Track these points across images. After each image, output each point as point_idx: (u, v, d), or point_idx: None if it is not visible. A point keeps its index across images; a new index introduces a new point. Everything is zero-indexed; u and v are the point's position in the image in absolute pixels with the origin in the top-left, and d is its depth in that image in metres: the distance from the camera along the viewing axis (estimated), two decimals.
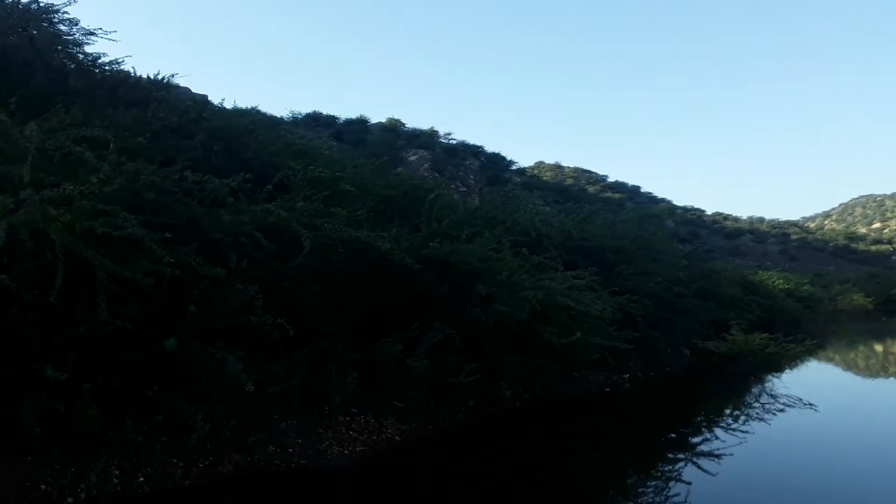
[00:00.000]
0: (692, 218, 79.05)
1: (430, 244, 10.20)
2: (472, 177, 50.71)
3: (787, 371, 16.75)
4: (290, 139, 15.05)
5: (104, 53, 13.21)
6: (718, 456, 8.64)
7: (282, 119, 44.02)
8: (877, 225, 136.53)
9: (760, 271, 33.77)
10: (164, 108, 11.40)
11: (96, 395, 6.31)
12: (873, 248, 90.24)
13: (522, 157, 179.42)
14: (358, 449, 8.10)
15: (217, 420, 6.98)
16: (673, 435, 10.44)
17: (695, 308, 17.28)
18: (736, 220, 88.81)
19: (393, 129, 55.36)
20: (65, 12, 12.32)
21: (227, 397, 7.01)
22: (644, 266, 16.64)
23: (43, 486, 5.96)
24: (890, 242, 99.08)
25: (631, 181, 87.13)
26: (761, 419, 10.80)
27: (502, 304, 9.83)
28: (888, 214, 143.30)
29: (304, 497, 6.92)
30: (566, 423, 10.89)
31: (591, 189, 75.71)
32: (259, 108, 31.32)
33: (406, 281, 9.56)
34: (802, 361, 18.14)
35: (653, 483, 7.96)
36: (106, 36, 12.79)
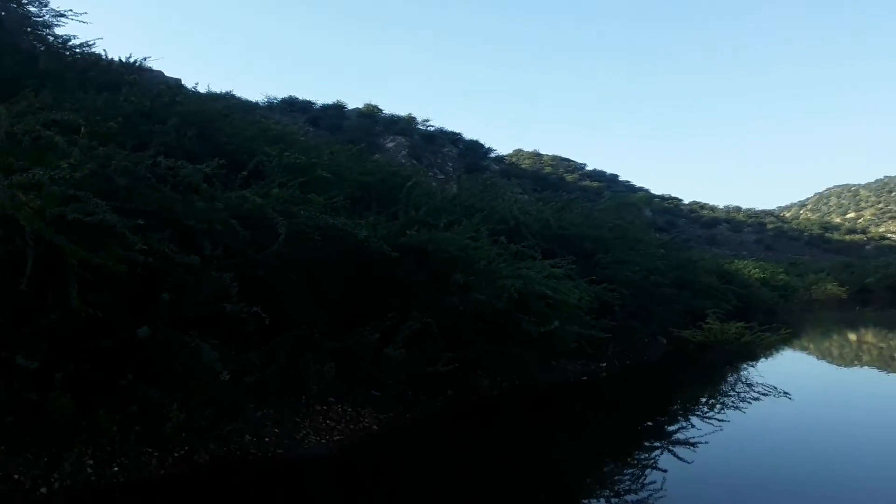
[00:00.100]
0: (670, 207, 79.70)
1: (408, 232, 10.13)
2: (450, 164, 50.64)
3: (763, 360, 16.88)
4: (266, 124, 14.89)
5: (75, 35, 13.05)
6: (694, 444, 8.69)
7: (257, 104, 43.71)
8: (851, 215, 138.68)
9: (736, 260, 34.04)
10: (136, 92, 11.22)
11: (69, 384, 6.19)
12: (847, 237, 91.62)
13: (501, 144, 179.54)
14: (335, 438, 8.05)
15: (192, 409, 6.89)
16: (649, 423, 10.48)
17: (672, 297, 17.36)
18: (713, 209, 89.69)
19: (370, 115, 55.05)
20: None
21: (203, 386, 6.91)
22: (621, 255, 16.69)
23: (16, 476, 5.85)
24: (864, 232, 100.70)
25: (609, 170, 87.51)
26: (736, 408, 10.87)
27: (480, 293, 9.80)
28: (862, 204, 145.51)
29: (281, 486, 6.85)
30: (544, 412, 10.90)
31: (569, 177, 76.01)
32: (234, 92, 31.09)
33: (383, 269, 9.49)
34: (777, 350, 18.30)
35: (629, 471, 7.98)
36: (76, 17, 12.65)
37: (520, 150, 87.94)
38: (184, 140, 10.53)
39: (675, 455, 8.24)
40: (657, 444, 9.11)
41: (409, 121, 55.23)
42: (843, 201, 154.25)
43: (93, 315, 6.21)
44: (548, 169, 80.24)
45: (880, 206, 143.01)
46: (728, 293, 20.90)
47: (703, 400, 12.12)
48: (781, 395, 11.55)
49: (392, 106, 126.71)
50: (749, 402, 11.16)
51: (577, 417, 10.83)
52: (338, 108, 54.55)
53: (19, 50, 11.48)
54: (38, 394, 6.04)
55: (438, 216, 11.65)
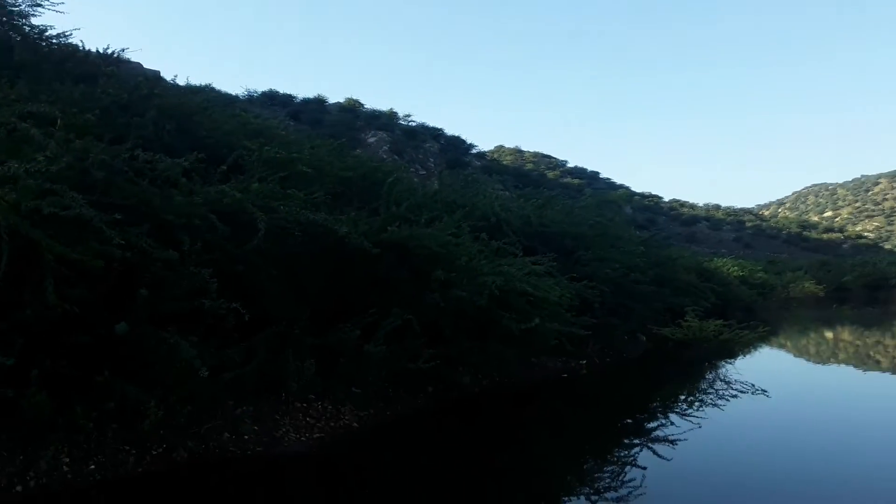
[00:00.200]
0: (650, 204, 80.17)
1: (389, 228, 10.08)
2: (431, 160, 50.56)
3: (741, 357, 17.01)
4: (246, 118, 14.81)
5: (51, 26, 12.87)
6: (673, 441, 8.72)
7: (237, 97, 43.45)
8: (828, 213, 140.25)
9: (716, 258, 34.35)
10: (113, 84, 11.10)
11: (45, 381, 6.09)
12: (825, 236, 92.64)
13: (482, 140, 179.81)
14: (315, 435, 8.00)
15: (170, 406, 6.81)
16: (629, 420, 10.53)
17: (651, 294, 17.44)
18: (692, 207, 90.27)
19: (351, 109, 54.85)
20: None
21: (181, 383, 6.84)
22: (602, 252, 16.74)
23: None
24: (841, 231, 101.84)
25: (590, 167, 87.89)
26: (715, 405, 10.94)
27: (461, 290, 9.78)
28: (839, 203, 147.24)
29: (260, 484, 6.80)
30: (524, 409, 10.91)
31: (550, 174, 76.22)
32: (213, 85, 30.93)
33: (364, 265, 9.45)
34: (755, 348, 18.45)
35: (609, 468, 8.01)
36: (53, 7, 12.42)
37: (501, 147, 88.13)
38: (162, 133, 10.43)
39: (654, 452, 8.26)
40: (637, 441, 9.14)
41: (391, 116, 55.10)
42: (821, 200, 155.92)
43: (69, 310, 6.12)
44: (529, 165, 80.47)
45: (857, 204, 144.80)
46: (707, 291, 21.05)
47: (682, 397, 12.20)
48: (759, 392, 11.63)
49: (373, 101, 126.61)
50: (727, 400, 11.23)
51: (558, 414, 10.86)
52: (319, 103, 54.33)
53: None
54: (13, 390, 5.94)
55: (420, 212, 11.62)
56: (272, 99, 51.72)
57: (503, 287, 10.11)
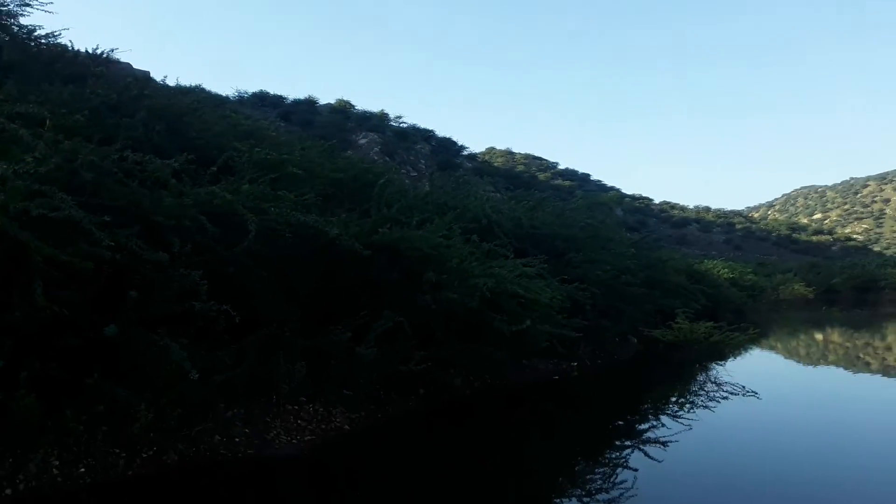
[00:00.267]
0: (640, 206, 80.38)
1: (380, 230, 10.06)
2: (422, 161, 50.52)
3: (731, 359, 17.05)
4: (236, 119, 14.78)
5: (40, 26, 12.78)
6: (664, 443, 8.74)
7: (227, 98, 43.30)
8: (818, 216, 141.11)
9: (706, 260, 34.43)
10: (103, 85, 11.05)
11: (34, 384, 6.05)
12: (814, 238, 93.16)
13: (474, 142, 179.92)
14: (306, 438, 7.97)
15: (161, 409, 6.77)
16: (620, 422, 10.55)
17: (642, 296, 17.46)
18: (683, 209, 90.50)
19: (342, 110, 54.72)
20: None
21: (171, 386, 6.80)
22: (593, 254, 16.76)
23: None
24: (830, 233, 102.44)
25: (581, 169, 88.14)
26: (706, 407, 10.96)
27: (452, 292, 9.77)
28: (829, 205, 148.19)
29: (251, 487, 6.77)
30: (516, 411, 10.91)
31: (541, 176, 76.31)
32: (203, 86, 30.82)
33: (355, 267, 9.43)
34: (746, 350, 18.51)
35: (601, 470, 8.01)
36: (42, 7, 12.33)
37: (492, 149, 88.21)
38: (152, 134, 10.38)
39: (645, 454, 8.28)
40: (628, 443, 9.16)
41: (382, 117, 54.99)
42: (810, 202, 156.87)
43: (58, 313, 6.08)
44: (520, 167, 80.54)
45: (846, 206, 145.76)
46: (697, 293, 21.09)
47: (673, 399, 12.22)
48: (750, 394, 11.66)
49: (365, 102, 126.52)
50: (718, 402, 11.26)
51: (549, 416, 10.85)
52: (309, 104, 54.16)
53: None
54: (2, 393, 5.91)
55: (411, 214, 11.61)
56: (263, 100, 51.54)
57: (494, 289, 10.10)
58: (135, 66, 22.58)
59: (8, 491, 5.72)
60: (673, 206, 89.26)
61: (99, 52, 13.67)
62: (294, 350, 8.43)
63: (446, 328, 9.99)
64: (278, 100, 52.73)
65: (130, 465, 6.51)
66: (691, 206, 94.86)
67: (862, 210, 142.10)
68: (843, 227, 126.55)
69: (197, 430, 7.19)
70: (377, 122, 53.67)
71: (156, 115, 10.86)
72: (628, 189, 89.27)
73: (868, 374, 15.98)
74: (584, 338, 13.50)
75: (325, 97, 56.30)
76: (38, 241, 6.01)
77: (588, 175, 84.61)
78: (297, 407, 8.45)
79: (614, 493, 6.91)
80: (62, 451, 6.28)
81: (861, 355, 19.71)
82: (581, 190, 63.47)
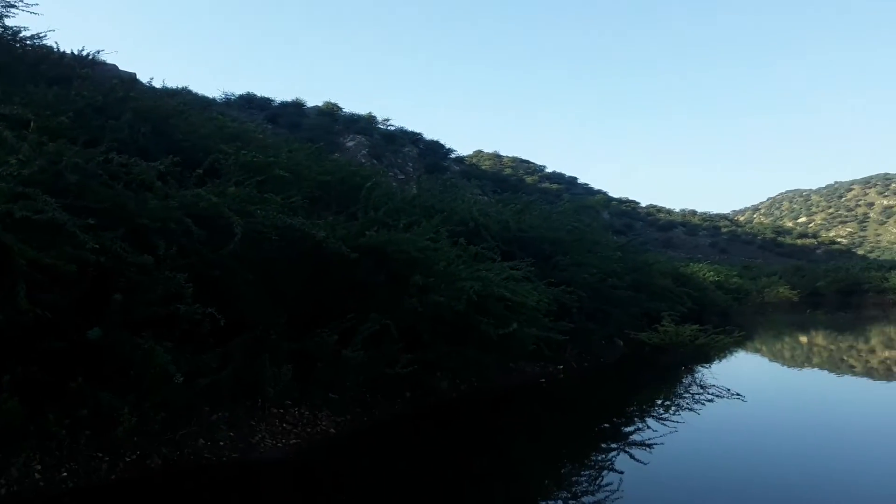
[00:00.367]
0: (627, 210, 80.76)
1: (367, 233, 10.05)
2: (410, 164, 50.58)
3: (717, 362, 17.12)
4: (223, 121, 14.69)
5: (25, 27, 12.69)
6: (650, 445, 8.77)
7: (214, 100, 43.17)
8: (802, 219, 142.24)
9: (692, 263, 34.66)
10: (88, 86, 10.98)
11: (17, 387, 6.01)
12: (799, 241, 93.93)
13: (461, 145, 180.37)
14: (292, 441, 7.94)
15: (144, 413, 6.73)
16: (606, 425, 10.57)
17: (628, 299, 17.53)
18: (669, 212, 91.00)
19: (330, 113, 54.73)
20: None
21: (155, 389, 6.76)
22: (579, 257, 16.79)
23: None
24: (815, 236, 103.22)
25: (568, 172, 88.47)
26: (691, 409, 11.01)
27: (439, 295, 9.76)
28: (813, 209, 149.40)
29: (235, 491, 6.75)
30: (502, 414, 10.91)
31: (529, 179, 76.57)
32: (190, 88, 30.70)
33: (342, 270, 9.41)
34: (731, 352, 18.61)
35: (586, 472, 8.04)
36: (27, 8, 12.26)
37: (480, 152, 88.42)
38: (137, 136, 10.32)
39: (631, 456, 8.31)
40: (614, 445, 9.18)
41: (370, 120, 55.07)
42: (795, 206, 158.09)
43: (42, 316, 6.04)
44: (508, 170, 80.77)
45: (831, 210, 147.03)
46: (683, 296, 21.19)
47: (659, 402, 12.26)
48: (735, 396, 11.73)
49: (352, 104, 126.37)
50: (703, 404, 11.31)
51: (535, 419, 10.87)
52: (297, 106, 54.14)
53: None
54: None
55: (398, 217, 11.60)
56: (250, 102, 51.50)
57: (481, 292, 10.10)
58: (121, 68, 22.45)
59: None
60: (659, 210, 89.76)
61: (84, 53, 13.61)
62: (280, 353, 8.39)
63: (433, 331, 9.99)
64: (265, 102, 52.71)
65: (114, 469, 6.47)
66: (677, 210, 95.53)
67: (846, 214, 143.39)
68: (828, 230, 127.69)
69: (181, 433, 7.15)
70: (365, 124, 53.71)
71: (142, 117, 10.81)
72: (615, 192, 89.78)
73: (852, 377, 16.08)
74: (571, 341, 13.53)
75: (313, 100, 56.24)
76: (21, 244, 5.97)
77: (575, 178, 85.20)
78: (282, 410, 8.42)
79: (600, 495, 6.92)
80: (44, 455, 6.23)
81: (845, 358, 19.84)
82: (568, 193, 63.67)
